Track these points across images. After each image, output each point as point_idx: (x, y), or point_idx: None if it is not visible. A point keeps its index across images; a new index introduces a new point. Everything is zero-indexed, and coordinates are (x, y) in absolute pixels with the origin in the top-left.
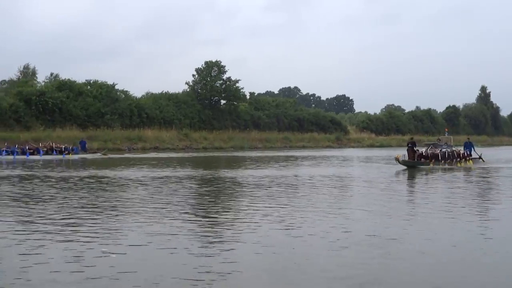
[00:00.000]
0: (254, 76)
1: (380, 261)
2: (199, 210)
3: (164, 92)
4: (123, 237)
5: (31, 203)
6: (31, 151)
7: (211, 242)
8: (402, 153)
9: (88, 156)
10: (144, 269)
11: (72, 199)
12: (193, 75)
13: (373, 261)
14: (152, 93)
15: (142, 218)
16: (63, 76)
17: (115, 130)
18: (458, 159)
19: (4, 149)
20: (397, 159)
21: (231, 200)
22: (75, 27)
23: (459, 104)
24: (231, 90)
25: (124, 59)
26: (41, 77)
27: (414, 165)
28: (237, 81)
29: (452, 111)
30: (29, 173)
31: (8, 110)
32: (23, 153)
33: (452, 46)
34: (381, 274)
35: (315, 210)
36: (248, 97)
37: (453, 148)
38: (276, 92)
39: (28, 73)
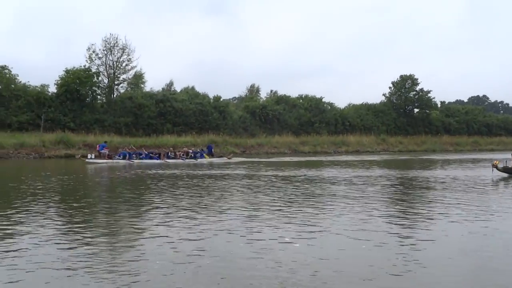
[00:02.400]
0: (445, 86)
1: None
2: (390, 206)
3: (364, 103)
4: (313, 227)
5: (255, 194)
6: (152, 154)
7: (402, 237)
8: (504, 158)
9: (215, 160)
10: (333, 260)
11: (278, 193)
12: (390, 88)
13: None
14: (353, 104)
15: (337, 210)
16: (280, 92)
17: (323, 136)
18: None
19: (122, 151)
20: (495, 166)
21: (421, 198)
22: (291, 52)
23: None
24: (423, 100)
25: (330, 75)
26: (263, 94)
27: None
28: (428, 92)
29: None
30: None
31: (238, 121)
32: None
33: None
34: None
35: (501, 211)
36: (439, 105)
37: None
38: (465, 100)
39: (253, 91)
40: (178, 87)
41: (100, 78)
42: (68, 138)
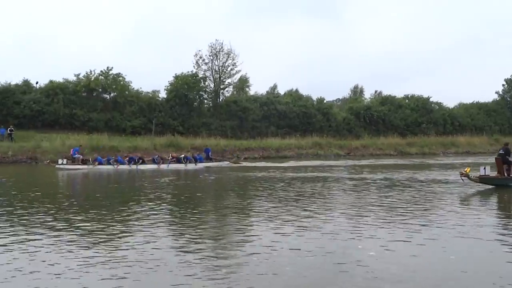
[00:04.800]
0: None
1: None
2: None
3: (474, 102)
4: (417, 234)
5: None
6: (139, 160)
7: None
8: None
9: (213, 164)
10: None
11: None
12: (503, 85)
13: None
14: (463, 103)
15: (444, 215)
16: (385, 92)
17: (430, 137)
18: None
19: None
20: (465, 175)
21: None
22: (396, 51)
23: None
24: None
25: (438, 74)
26: (367, 95)
27: (498, 183)
28: None
29: None
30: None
31: (342, 123)
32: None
33: None
34: None
35: None
36: None
37: None
38: None
39: (357, 92)
40: (281, 89)
41: (206, 83)
42: (177, 142)
